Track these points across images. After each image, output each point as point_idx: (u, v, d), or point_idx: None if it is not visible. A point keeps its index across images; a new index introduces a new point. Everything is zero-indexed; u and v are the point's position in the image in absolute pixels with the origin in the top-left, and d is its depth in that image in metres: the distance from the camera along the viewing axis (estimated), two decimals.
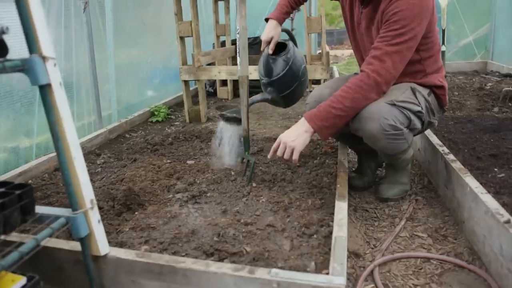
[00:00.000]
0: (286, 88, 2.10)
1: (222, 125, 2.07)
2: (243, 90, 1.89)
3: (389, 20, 1.62)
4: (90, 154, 2.45)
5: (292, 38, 2.24)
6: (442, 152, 2.03)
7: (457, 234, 1.74)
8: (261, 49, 2.11)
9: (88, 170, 2.18)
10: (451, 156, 1.97)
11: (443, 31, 4.57)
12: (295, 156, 1.63)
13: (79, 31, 2.50)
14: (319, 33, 3.75)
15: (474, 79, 4.36)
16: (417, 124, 1.76)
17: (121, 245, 1.41)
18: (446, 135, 2.37)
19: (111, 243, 1.43)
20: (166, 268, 1.13)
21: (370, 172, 2.22)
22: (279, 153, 1.66)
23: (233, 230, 1.47)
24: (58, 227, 1.05)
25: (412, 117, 1.72)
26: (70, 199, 1.08)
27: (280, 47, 2.11)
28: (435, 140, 2.22)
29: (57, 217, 1.08)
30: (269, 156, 1.72)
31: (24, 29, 0.95)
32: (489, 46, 5.64)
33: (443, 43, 4.61)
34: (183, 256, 1.33)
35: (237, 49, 1.85)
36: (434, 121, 1.92)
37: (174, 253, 1.35)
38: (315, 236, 1.46)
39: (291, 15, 2.28)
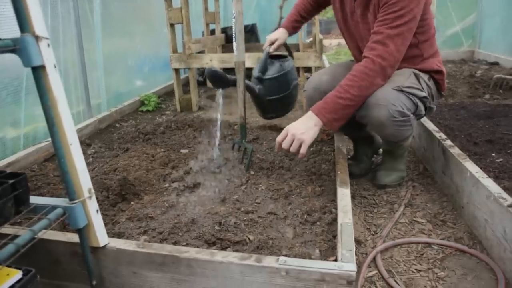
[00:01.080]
0: (274, 92, 2.09)
1: None
2: (240, 76, 1.84)
3: (387, 2, 1.59)
4: (80, 144, 2.37)
5: (292, 56, 2.29)
6: (439, 138, 2.02)
7: (456, 219, 1.74)
8: (264, 47, 2.15)
9: None
10: (448, 142, 1.96)
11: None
12: (303, 150, 1.57)
13: (66, 17, 2.39)
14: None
15: (463, 67, 4.39)
16: (422, 110, 1.75)
17: (119, 235, 1.36)
18: (441, 122, 2.37)
19: (108, 234, 1.37)
20: (169, 258, 1.09)
21: (367, 159, 2.21)
22: (285, 145, 1.59)
23: (234, 218, 1.44)
24: (56, 218, 1.00)
25: (419, 102, 1.71)
26: (67, 188, 1.02)
27: (279, 58, 2.14)
28: (431, 126, 2.21)
29: (54, 208, 1.02)
30: (276, 149, 1.65)
31: (14, 6, 0.88)
32: (476, 35, 5.68)
33: None
34: (184, 245, 1.29)
35: (233, 34, 1.80)
36: (433, 107, 1.91)
37: (175, 243, 1.31)
38: (318, 223, 1.43)
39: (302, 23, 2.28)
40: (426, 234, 1.66)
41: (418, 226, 1.72)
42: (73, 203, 1.03)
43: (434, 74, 1.86)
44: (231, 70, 3.85)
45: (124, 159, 2.03)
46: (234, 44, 1.81)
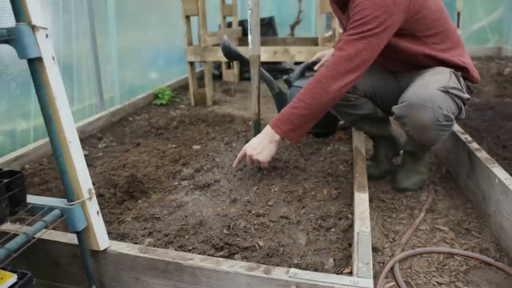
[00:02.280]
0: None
1: None
2: (255, 71, 1.76)
3: (352, 14, 1.52)
4: (91, 137, 2.34)
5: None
6: (464, 140, 1.90)
7: (481, 228, 1.63)
8: (313, 59, 2.21)
9: (89, 155, 2.10)
10: (474, 145, 1.84)
11: (458, 14, 4.40)
12: (264, 166, 1.63)
13: (79, 9, 2.35)
14: (331, 13, 3.59)
15: (490, 64, 4.19)
16: (464, 113, 1.63)
17: (123, 237, 1.30)
18: (466, 122, 2.24)
19: (112, 234, 1.33)
20: (172, 265, 1.02)
21: (387, 161, 2.10)
22: (248, 163, 1.65)
23: (244, 221, 1.36)
24: (52, 220, 0.94)
25: (462, 105, 1.59)
26: (65, 189, 0.96)
27: None
28: (456, 127, 2.09)
29: (51, 209, 0.97)
30: (234, 165, 1.69)
31: None
32: (503, 30, 5.44)
33: (458, 26, 4.43)
34: (190, 250, 1.23)
35: (249, 26, 1.71)
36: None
37: (181, 247, 1.24)
38: (333, 229, 1.35)
39: None
40: (448, 243, 1.55)
41: (439, 234, 1.62)
42: (71, 205, 0.97)
43: (459, 71, 1.73)
44: (247, 64, 3.80)
45: (134, 155, 1.97)
46: (250, 37, 1.72)
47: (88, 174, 1.01)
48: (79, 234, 1.01)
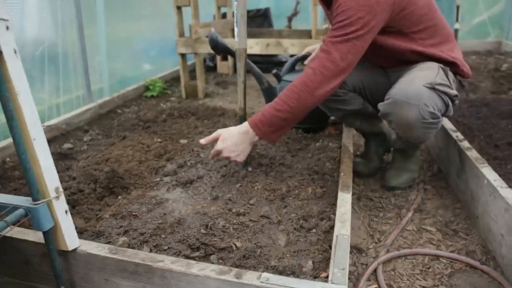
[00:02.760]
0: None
1: None
2: (241, 64, 1.71)
3: (336, 14, 1.47)
4: (77, 130, 2.30)
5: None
6: (455, 138, 1.86)
7: (469, 229, 1.60)
8: (303, 52, 2.18)
9: (74, 148, 2.06)
10: (465, 143, 1.80)
11: (458, 7, 4.32)
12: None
13: None
14: None
15: (488, 60, 4.13)
16: (451, 110, 1.58)
17: (98, 235, 1.26)
18: (460, 120, 2.19)
19: (88, 231, 1.29)
20: (142, 267, 0.99)
21: (377, 158, 2.06)
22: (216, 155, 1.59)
23: (223, 220, 1.33)
24: (15, 220, 0.91)
25: (449, 102, 1.55)
26: (30, 188, 0.93)
27: None
28: (448, 125, 2.05)
29: (15, 208, 0.93)
30: (210, 158, 1.67)
31: None
32: (504, 24, 5.36)
33: (456, 20, 4.36)
34: (165, 250, 1.19)
35: (235, 18, 1.66)
36: (456, 102, 1.74)
37: (156, 246, 1.21)
38: (314, 230, 1.31)
39: None
40: (434, 244, 1.52)
41: (426, 235, 1.59)
42: (36, 204, 0.94)
43: (449, 66, 1.68)
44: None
45: (118, 149, 1.94)
46: (236, 29, 1.67)
47: (55, 172, 0.97)
48: (45, 234, 0.98)
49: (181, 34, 2.94)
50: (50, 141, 2.10)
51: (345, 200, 1.32)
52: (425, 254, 1.47)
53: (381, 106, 1.57)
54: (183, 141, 2.10)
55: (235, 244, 1.21)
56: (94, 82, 2.65)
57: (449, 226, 1.63)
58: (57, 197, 0.97)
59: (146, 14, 3.36)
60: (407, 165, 1.91)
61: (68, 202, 1.46)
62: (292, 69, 2.20)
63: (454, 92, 1.56)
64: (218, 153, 1.55)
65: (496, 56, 4.53)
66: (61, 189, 0.98)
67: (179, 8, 2.86)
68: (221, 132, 1.56)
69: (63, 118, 2.25)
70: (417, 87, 1.47)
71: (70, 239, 1.02)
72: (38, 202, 0.93)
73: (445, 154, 2.00)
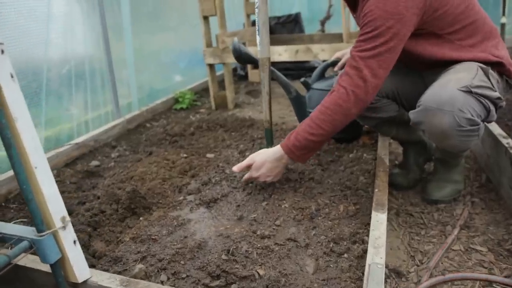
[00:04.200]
0: (314, 107, 1.98)
1: None
2: (264, 74, 1.62)
3: (363, 23, 1.35)
4: (105, 146, 2.29)
5: None
6: (506, 145, 1.67)
7: None
8: (333, 57, 2.10)
9: (101, 165, 2.04)
10: None
11: (504, 0, 4.02)
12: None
13: (90, 12, 2.30)
14: None
15: None
16: (494, 114, 1.42)
17: (115, 261, 1.21)
18: (510, 124, 1.98)
19: (107, 257, 1.24)
20: None
21: (417, 168, 1.89)
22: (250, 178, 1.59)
23: (247, 244, 1.23)
24: (19, 253, 0.86)
25: (491, 106, 1.38)
26: (33, 219, 0.87)
27: None
28: (496, 130, 1.85)
29: (20, 240, 0.88)
30: (243, 181, 1.63)
31: None
32: None
33: (503, 14, 4.06)
34: (183, 278, 1.11)
35: (257, 27, 1.58)
36: (502, 104, 1.56)
37: (174, 274, 1.13)
38: (345, 255, 1.19)
39: None
40: (486, 267, 1.35)
41: (476, 256, 1.41)
42: (41, 236, 0.88)
43: (496, 67, 1.50)
44: (273, 64, 3.67)
45: (144, 165, 1.90)
46: (258, 38, 1.59)
47: (61, 201, 0.92)
48: (53, 266, 0.92)
49: (209, 44, 2.89)
50: (78, 159, 2.10)
51: (379, 221, 1.18)
52: (475, 279, 1.30)
53: (412, 114, 1.43)
54: (209, 155, 2.03)
55: (257, 272, 1.11)
56: (123, 97, 2.65)
57: (502, 246, 1.45)
58: (64, 227, 0.91)
59: (173, 26, 3.35)
60: (451, 176, 1.73)
61: (89, 224, 1.44)
62: (321, 76, 2.08)
63: (496, 94, 1.39)
64: (253, 178, 1.56)
65: None
66: (68, 219, 0.93)
67: (206, 18, 2.82)
68: (254, 159, 1.54)
69: (92, 135, 2.26)
70: (451, 91, 1.32)
71: (80, 270, 0.97)
72: (43, 233, 0.88)
73: (495, 162, 1.80)
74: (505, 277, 1.30)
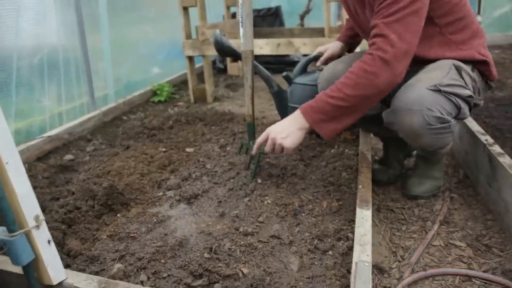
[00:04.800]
0: (298, 101, 1.96)
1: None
2: (247, 68, 1.58)
3: None
4: (80, 139, 2.21)
5: None
6: (485, 142, 1.69)
7: (504, 244, 1.44)
8: (315, 53, 2.01)
9: (75, 159, 1.95)
10: (496, 148, 1.63)
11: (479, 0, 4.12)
12: (288, 153, 1.39)
13: (64, 1, 2.19)
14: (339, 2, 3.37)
15: None
16: (466, 112, 1.43)
17: (92, 260, 1.15)
18: (487, 121, 2.02)
19: (82, 256, 1.19)
20: None
21: (397, 164, 1.91)
22: (267, 148, 1.40)
23: (230, 242, 1.20)
24: None
25: (462, 104, 1.39)
26: (4, 218, 0.82)
27: None
28: (475, 126, 1.88)
29: None
30: (253, 152, 1.50)
31: None
32: None
33: (478, 13, 4.15)
34: (164, 277, 1.07)
35: (240, 18, 1.54)
36: (480, 103, 1.58)
37: (154, 274, 1.09)
38: (330, 252, 1.17)
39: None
40: (465, 262, 1.37)
41: (455, 251, 1.43)
42: (12, 236, 0.82)
43: (478, 65, 1.52)
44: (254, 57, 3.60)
45: (121, 160, 1.83)
46: (241, 30, 1.55)
47: (35, 198, 0.86)
48: (25, 268, 0.87)
49: (188, 36, 2.83)
50: (50, 152, 2.01)
51: (364, 218, 1.18)
52: (455, 274, 1.31)
53: (384, 114, 1.43)
54: (189, 149, 1.98)
55: (241, 271, 1.08)
56: (98, 89, 2.56)
57: (480, 241, 1.47)
58: (37, 227, 0.86)
59: (151, 17, 3.25)
60: (431, 172, 1.75)
61: (64, 221, 1.37)
62: (303, 71, 2.05)
63: (467, 92, 1.40)
64: (265, 139, 1.42)
65: None
66: (42, 217, 0.87)
67: (185, 9, 2.74)
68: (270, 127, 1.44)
69: (65, 128, 2.16)
70: (419, 90, 1.33)
71: (54, 271, 0.91)
72: (15, 233, 0.82)
73: (473, 159, 1.83)
74: (484, 271, 1.32)
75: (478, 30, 1.52)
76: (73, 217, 1.40)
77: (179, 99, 3.12)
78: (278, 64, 3.89)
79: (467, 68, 1.47)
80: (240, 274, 1.07)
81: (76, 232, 1.35)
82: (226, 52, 1.79)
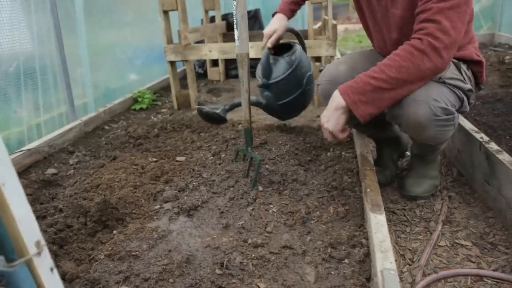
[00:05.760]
0: (286, 95, 1.84)
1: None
2: (243, 71, 1.52)
3: None
4: (61, 152, 2.08)
5: (301, 42, 1.93)
6: (481, 140, 1.70)
7: (508, 241, 1.43)
8: (263, 43, 1.84)
9: (58, 173, 1.83)
10: (493, 145, 1.64)
11: None
12: (339, 137, 1.36)
13: (40, 4, 2.06)
14: (320, 3, 3.37)
15: (488, 53, 4.02)
16: (467, 105, 1.44)
17: (92, 284, 1.06)
18: (478, 118, 2.04)
19: (81, 279, 1.09)
20: None
21: (392, 164, 1.89)
22: (324, 136, 1.40)
23: (240, 255, 1.13)
24: None
25: (464, 97, 1.41)
26: (2, 246, 0.72)
27: (286, 49, 1.81)
28: (467, 124, 1.88)
29: None
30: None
31: None
32: (496, 16, 5.28)
33: None
34: None
35: (234, 20, 1.47)
36: (472, 102, 1.59)
37: None
38: (346, 260, 1.13)
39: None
40: (474, 262, 1.36)
41: (462, 250, 1.42)
42: (12, 266, 0.73)
43: (473, 66, 1.54)
44: (233, 61, 3.53)
45: (109, 171, 1.73)
46: (236, 32, 1.49)
47: (35, 223, 0.77)
48: None
49: (170, 41, 2.73)
50: (31, 167, 1.88)
51: (379, 223, 1.13)
52: (467, 274, 1.30)
53: (388, 109, 1.41)
54: (180, 158, 1.90)
55: (258, 286, 1.01)
56: (78, 97, 2.42)
57: (485, 239, 1.47)
58: (39, 253, 0.76)
59: (129, 21, 3.13)
60: (428, 172, 1.74)
61: (54, 241, 1.26)
62: (269, 70, 1.91)
63: (468, 86, 1.43)
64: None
65: (492, 48, 4.43)
66: (43, 242, 0.77)
67: (166, 12, 2.65)
68: None
69: (45, 140, 2.03)
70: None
71: None
72: (15, 263, 0.72)
73: (467, 157, 1.84)
74: (494, 270, 1.31)
75: (473, 37, 1.55)
76: (64, 237, 1.29)
77: (161, 106, 3.01)
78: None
79: (463, 66, 1.49)
80: None
81: (69, 252, 1.24)
82: (215, 118, 1.71)
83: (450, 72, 1.40)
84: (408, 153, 2.05)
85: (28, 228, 0.73)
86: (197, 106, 1.67)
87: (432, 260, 1.37)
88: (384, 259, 0.97)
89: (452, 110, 1.36)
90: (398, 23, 1.43)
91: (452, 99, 1.37)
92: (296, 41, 2.02)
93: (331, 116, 1.33)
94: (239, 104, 1.71)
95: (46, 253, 0.77)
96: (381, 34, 1.57)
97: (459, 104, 1.41)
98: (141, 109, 2.89)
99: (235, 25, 1.48)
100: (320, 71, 1.84)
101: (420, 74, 1.25)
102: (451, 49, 1.24)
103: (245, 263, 1.10)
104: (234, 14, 1.47)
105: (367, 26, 1.67)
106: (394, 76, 1.24)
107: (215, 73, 3.88)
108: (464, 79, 1.45)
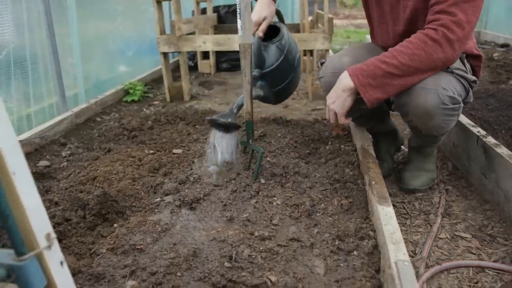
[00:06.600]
0: (281, 81, 1.79)
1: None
2: (246, 62, 1.49)
3: None
4: (53, 144, 2.01)
5: (281, 18, 1.86)
6: (478, 134, 1.72)
7: (507, 233, 1.46)
8: (253, 31, 1.72)
9: (51, 165, 1.77)
10: (491, 139, 1.66)
11: None
12: (341, 121, 1.39)
13: None
14: None
15: None
16: (471, 96, 1.47)
17: (97, 278, 1.03)
18: (473, 113, 2.07)
19: (83, 273, 1.05)
20: None
21: (390, 158, 1.91)
22: (326, 117, 1.43)
23: (248, 248, 1.12)
24: None
25: (469, 87, 1.43)
26: (12, 239, 0.68)
27: (270, 31, 1.75)
28: (464, 119, 1.91)
29: None
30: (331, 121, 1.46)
31: None
32: (482, 15, 5.37)
33: None
34: None
35: (238, 10, 1.44)
36: (470, 99, 1.62)
37: None
38: (355, 252, 1.12)
39: None
40: (474, 253, 1.37)
41: (462, 242, 1.43)
42: (22, 260, 0.69)
43: (471, 60, 1.55)
44: (224, 53, 3.48)
45: (105, 164, 1.68)
46: (239, 22, 1.46)
47: (45, 214, 0.73)
48: None
49: (162, 32, 2.68)
50: (29, 154, 1.82)
51: (388, 215, 1.13)
52: (468, 266, 1.31)
53: (395, 97, 1.41)
54: (177, 150, 1.86)
55: (269, 280, 1.00)
56: (69, 88, 2.35)
57: (484, 231, 1.49)
58: (49, 247, 0.73)
59: (121, 10, 3.05)
60: (425, 165, 1.76)
61: None
62: (263, 58, 1.85)
63: (472, 77, 1.45)
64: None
65: (479, 46, 4.50)
66: (53, 235, 0.74)
67: (159, 3, 2.60)
68: None
69: (36, 131, 1.97)
70: None
71: None
72: (25, 257, 0.69)
73: (463, 151, 1.86)
74: (494, 261, 1.32)
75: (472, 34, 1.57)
76: (62, 231, 1.25)
77: (153, 98, 2.96)
78: None
79: (464, 59, 1.50)
80: (269, 283, 0.99)
81: (69, 247, 1.20)
82: (225, 124, 1.62)
83: (457, 63, 1.42)
84: (403, 147, 2.07)
85: (38, 220, 0.70)
86: (207, 118, 1.55)
87: (433, 252, 1.39)
88: (397, 251, 0.97)
89: (459, 99, 1.38)
90: (407, 16, 1.42)
91: (459, 89, 1.38)
92: (277, 19, 1.92)
93: (337, 98, 1.34)
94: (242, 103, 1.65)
95: (56, 246, 0.73)
96: (386, 27, 1.57)
97: (464, 94, 1.43)
98: (133, 101, 2.83)
99: (238, 15, 1.45)
100: (322, 63, 1.81)
101: (432, 64, 1.26)
102: (463, 42, 1.26)
103: (253, 256, 1.09)
104: (237, 3, 1.44)
105: (371, 18, 1.66)
106: (406, 63, 1.24)
107: (206, 66, 3.84)
108: (467, 71, 1.48)
